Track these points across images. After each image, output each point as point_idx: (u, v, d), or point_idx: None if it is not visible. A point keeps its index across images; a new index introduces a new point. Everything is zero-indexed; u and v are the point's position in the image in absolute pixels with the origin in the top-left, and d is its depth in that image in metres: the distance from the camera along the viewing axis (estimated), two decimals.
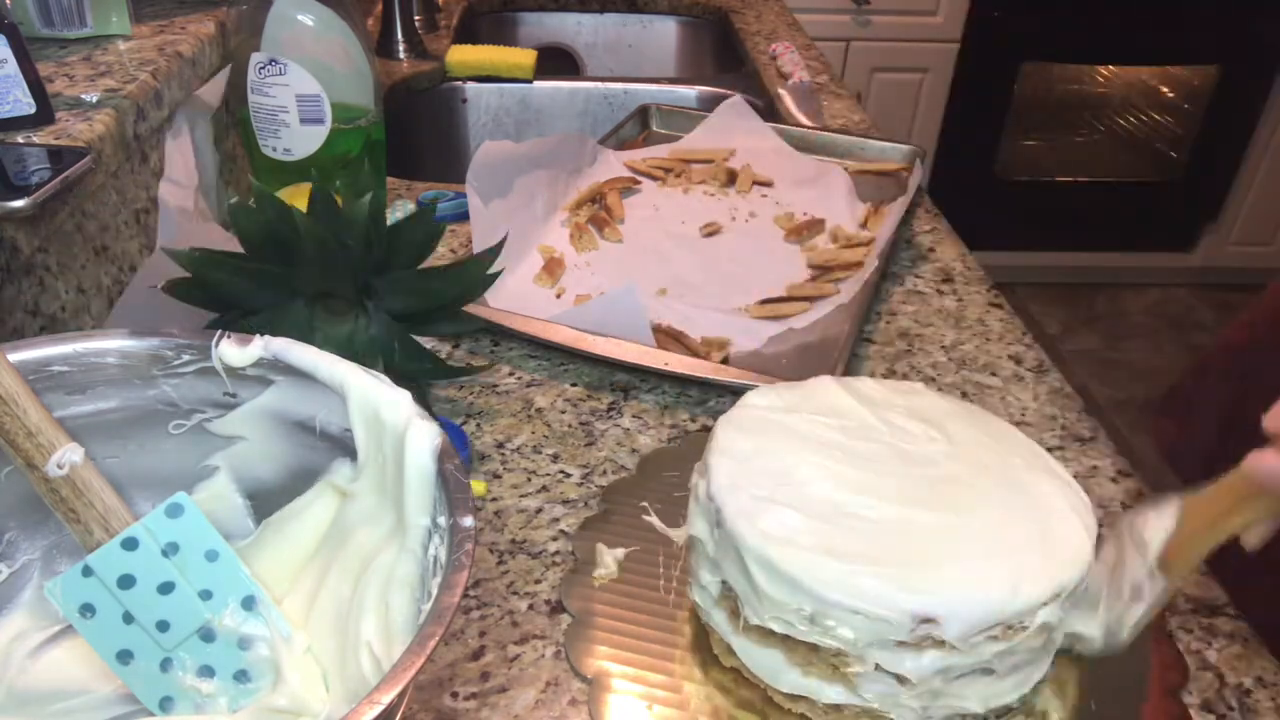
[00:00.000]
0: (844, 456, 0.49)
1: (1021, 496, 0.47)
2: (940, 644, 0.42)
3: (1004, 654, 0.43)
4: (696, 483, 0.49)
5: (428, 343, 0.74)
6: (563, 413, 0.69)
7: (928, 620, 0.42)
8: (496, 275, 0.64)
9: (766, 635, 0.46)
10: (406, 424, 0.40)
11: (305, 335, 0.56)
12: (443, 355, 0.74)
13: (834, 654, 0.44)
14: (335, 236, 0.57)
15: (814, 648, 0.44)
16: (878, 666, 0.43)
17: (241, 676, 0.42)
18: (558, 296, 0.82)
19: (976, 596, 0.42)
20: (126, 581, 0.40)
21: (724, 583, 0.47)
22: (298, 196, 0.74)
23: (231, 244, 0.60)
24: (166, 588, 0.41)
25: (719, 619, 0.48)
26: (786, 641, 0.45)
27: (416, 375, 0.64)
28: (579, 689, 0.50)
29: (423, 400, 0.61)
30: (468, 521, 0.37)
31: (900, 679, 0.43)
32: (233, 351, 0.43)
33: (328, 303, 0.61)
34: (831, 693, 0.45)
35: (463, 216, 0.90)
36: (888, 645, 0.43)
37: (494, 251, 0.64)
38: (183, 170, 0.78)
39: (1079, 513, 0.46)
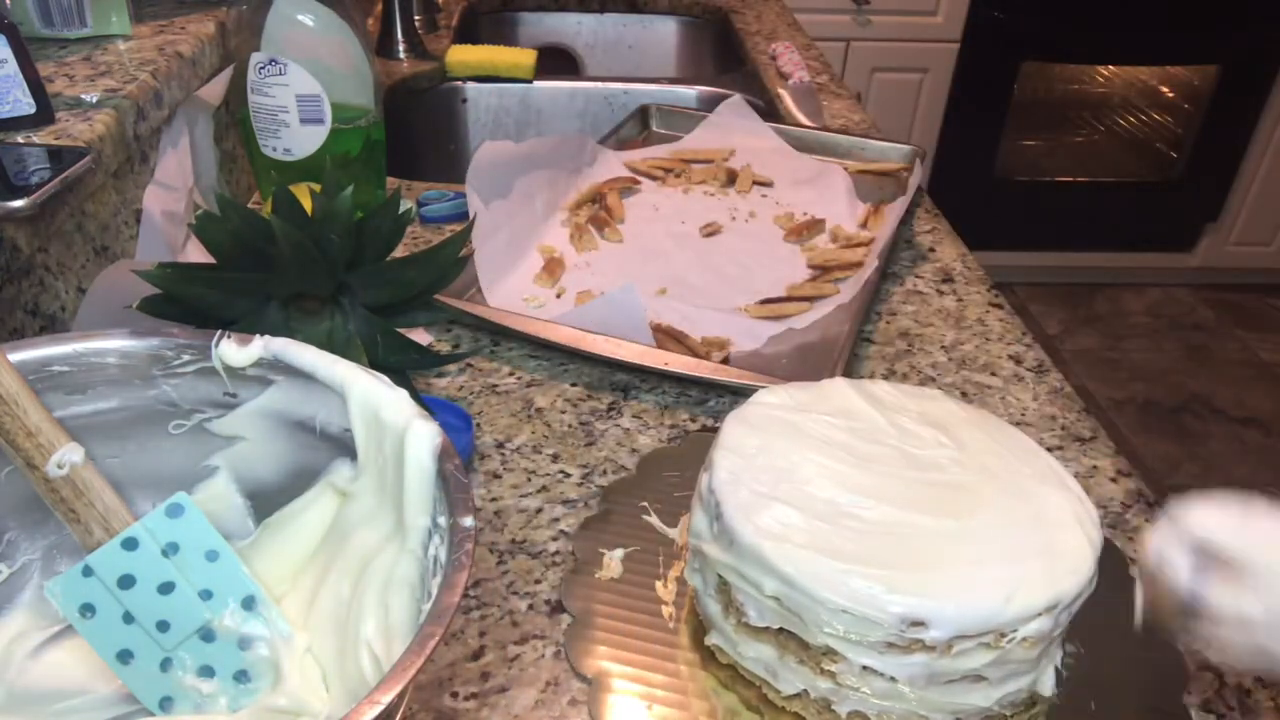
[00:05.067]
0: (849, 457, 0.49)
1: (1027, 506, 0.47)
2: (930, 648, 0.42)
3: (996, 662, 0.43)
4: (701, 477, 0.50)
5: (424, 340, 0.74)
6: (563, 413, 0.69)
7: (916, 623, 0.42)
8: (467, 259, 0.63)
9: (760, 631, 0.46)
10: (406, 424, 0.40)
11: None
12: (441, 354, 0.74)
13: (824, 652, 0.44)
14: (311, 238, 0.57)
15: (805, 645, 0.44)
16: (866, 667, 0.43)
17: (241, 676, 0.42)
18: (558, 296, 0.82)
19: (967, 602, 0.42)
20: (126, 581, 0.40)
21: (720, 577, 0.47)
22: (300, 197, 0.73)
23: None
24: (166, 588, 0.41)
25: (715, 613, 0.48)
26: (779, 638, 0.45)
27: (403, 367, 0.63)
28: (579, 689, 0.50)
29: (411, 394, 0.61)
30: (468, 521, 0.37)
31: (890, 681, 0.43)
32: (233, 351, 0.43)
33: (302, 304, 0.60)
34: (823, 690, 0.45)
35: (462, 216, 0.90)
36: (876, 646, 0.43)
37: (464, 235, 0.63)
38: (175, 172, 0.77)
39: (1085, 526, 0.46)
